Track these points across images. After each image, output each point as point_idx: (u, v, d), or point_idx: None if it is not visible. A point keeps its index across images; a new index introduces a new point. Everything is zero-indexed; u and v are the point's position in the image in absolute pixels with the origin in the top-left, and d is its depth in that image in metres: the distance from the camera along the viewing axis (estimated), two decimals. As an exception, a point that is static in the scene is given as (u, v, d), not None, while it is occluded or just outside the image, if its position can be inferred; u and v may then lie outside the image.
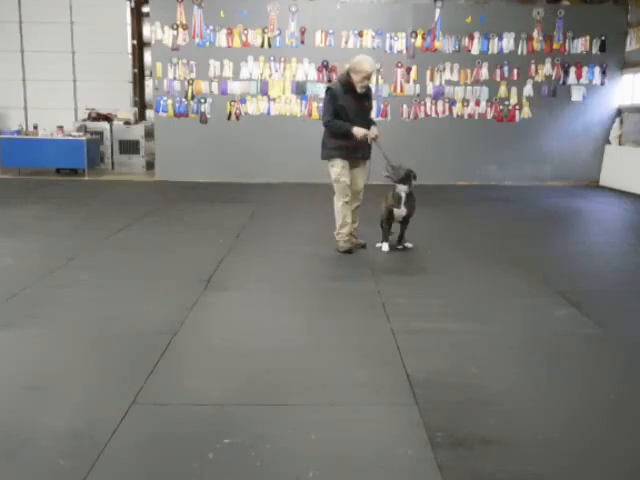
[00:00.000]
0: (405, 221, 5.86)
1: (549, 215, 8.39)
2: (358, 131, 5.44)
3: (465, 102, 11.48)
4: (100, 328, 3.67)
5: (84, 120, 12.68)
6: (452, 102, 11.47)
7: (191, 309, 4.04)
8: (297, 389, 2.92)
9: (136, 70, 13.34)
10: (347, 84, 5.48)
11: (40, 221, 7.13)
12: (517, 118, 11.57)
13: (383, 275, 5.07)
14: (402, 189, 5.70)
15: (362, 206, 5.99)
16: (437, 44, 11.28)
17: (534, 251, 6.10)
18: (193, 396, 2.84)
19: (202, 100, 11.31)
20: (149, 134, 12.33)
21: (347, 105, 5.48)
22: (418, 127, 11.40)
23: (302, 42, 11.19)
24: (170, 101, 11.30)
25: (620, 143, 11.54)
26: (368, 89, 5.64)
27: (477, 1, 11.91)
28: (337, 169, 5.60)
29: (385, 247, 5.91)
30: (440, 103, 11.46)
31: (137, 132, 12.66)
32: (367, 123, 5.62)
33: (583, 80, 11.49)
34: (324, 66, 11.22)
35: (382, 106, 11.32)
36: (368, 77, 5.44)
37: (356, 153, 5.61)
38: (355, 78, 5.41)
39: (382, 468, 2.31)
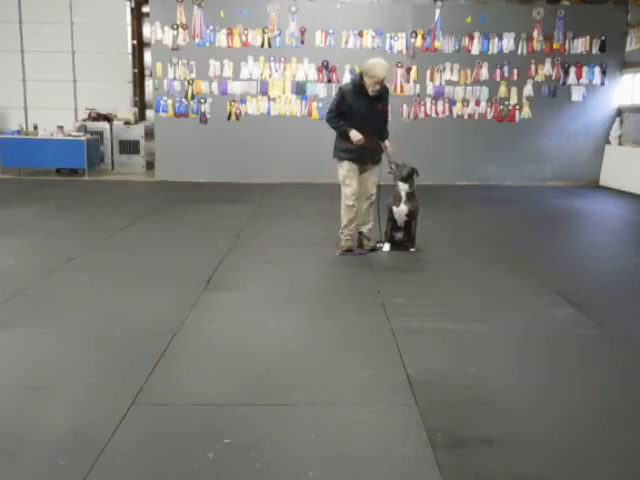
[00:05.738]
0: (408, 224, 5.85)
1: (549, 215, 8.38)
2: (354, 135, 5.42)
3: (465, 102, 11.47)
4: (100, 328, 3.67)
5: (84, 120, 12.66)
6: (452, 102, 11.46)
7: (191, 309, 4.04)
8: (297, 389, 2.92)
9: (136, 70, 13.34)
10: (360, 86, 5.44)
11: (40, 221, 7.12)
12: (517, 118, 11.55)
13: (383, 275, 5.07)
14: (403, 188, 5.75)
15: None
16: (437, 44, 11.27)
17: (534, 251, 6.10)
18: (193, 396, 2.84)
19: (202, 100, 11.30)
20: (149, 134, 12.31)
21: (357, 107, 5.44)
22: (418, 127, 11.38)
23: (302, 42, 11.18)
24: (170, 101, 11.29)
25: (620, 143, 11.52)
26: (385, 90, 5.63)
27: (477, 1, 11.90)
28: (343, 171, 5.63)
29: (385, 247, 5.91)
30: (440, 103, 11.45)
31: (137, 132, 12.64)
32: (379, 126, 5.65)
33: (583, 80, 11.48)
34: (324, 66, 11.21)
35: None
36: (380, 82, 5.38)
37: (363, 157, 5.61)
38: (367, 81, 5.38)
39: (382, 468, 2.31)
